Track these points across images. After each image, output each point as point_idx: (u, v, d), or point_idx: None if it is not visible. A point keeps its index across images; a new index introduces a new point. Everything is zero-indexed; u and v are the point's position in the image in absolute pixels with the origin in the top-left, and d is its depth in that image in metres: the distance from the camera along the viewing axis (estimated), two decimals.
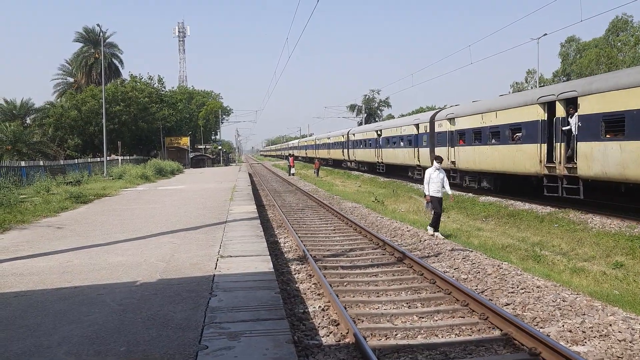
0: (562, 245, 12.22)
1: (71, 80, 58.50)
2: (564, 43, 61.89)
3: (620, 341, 5.66)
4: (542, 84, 53.93)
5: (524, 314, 6.77)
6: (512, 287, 7.85)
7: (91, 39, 56.05)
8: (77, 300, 5.81)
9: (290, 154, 62.35)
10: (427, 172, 12.62)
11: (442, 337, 6.09)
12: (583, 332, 5.99)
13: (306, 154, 77.07)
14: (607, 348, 5.53)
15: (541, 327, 6.24)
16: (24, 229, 11.70)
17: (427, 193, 12.55)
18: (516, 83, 68.44)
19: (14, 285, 6.57)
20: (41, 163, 28.56)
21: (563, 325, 6.23)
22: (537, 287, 7.71)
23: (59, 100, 54.35)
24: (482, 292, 7.76)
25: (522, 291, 7.63)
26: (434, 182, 12.42)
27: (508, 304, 7.17)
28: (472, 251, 10.41)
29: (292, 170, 43.69)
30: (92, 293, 6.08)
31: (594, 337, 5.83)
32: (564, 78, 57.00)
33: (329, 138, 57.84)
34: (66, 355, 4.24)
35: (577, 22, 46.59)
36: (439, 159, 12.88)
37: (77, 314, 5.31)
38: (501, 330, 6.08)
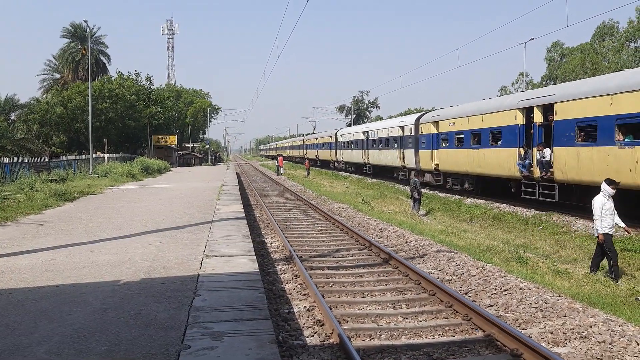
0: (545, 247, 12.37)
1: (57, 76, 57.71)
2: (550, 48, 62.67)
3: (600, 343, 5.74)
4: (530, 88, 54.48)
5: (507, 315, 6.84)
6: (496, 289, 7.92)
7: (78, 34, 55.37)
8: (59, 299, 5.74)
9: (278, 154, 62.28)
10: (598, 201, 9.38)
11: (426, 337, 6.13)
12: (564, 333, 6.07)
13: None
14: (587, 349, 5.61)
15: (523, 329, 6.31)
16: (7, 226, 11.53)
17: (599, 231, 9.33)
18: (504, 87, 69.13)
19: None
20: (25, 160, 28.19)
21: (545, 327, 6.31)
22: (520, 289, 7.79)
23: (44, 96, 53.61)
24: (466, 294, 7.83)
25: (505, 293, 7.71)
26: (608, 214, 9.32)
27: (491, 305, 7.24)
28: (457, 253, 10.49)
29: (281, 170, 43.61)
30: (75, 292, 6.01)
31: (575, 339, 5.91)
32: (550, 82, 57.63)
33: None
34: (46, 354, 4.19)
35: (563, 27, 47.22)
36: (613, 182, 9.58)
37: (59, 312, 5.25)
38: (484, 331, 6.14)
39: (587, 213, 15.20)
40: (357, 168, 40.05)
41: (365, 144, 36.09)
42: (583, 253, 11.53)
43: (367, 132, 35.79)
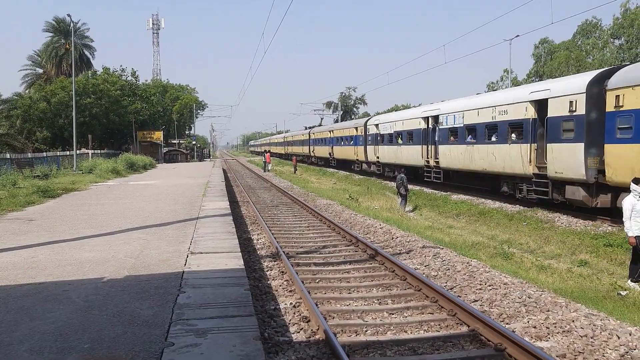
0: (529, 243, 12.50)
1: (40, 71, 56.78)
2: (537, 44, 63.25)
3: (582, 337, 5.82)
4: (515, 85, 54.89)
5: (491, 310, 6.91)
6: (481, 284, 8.00)
7: (62, 29, 54.46)
8: (41, 296, 5.67)
9: (266, 150, 60.64)
10: (627, 201, 8.68)
11: (411, 333, 6.17)
12: (547, 327, 6.15)
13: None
14: (570, 343, 5.69)
15: (507, 323, 6.38)
16: None
17: (629, 233, 8.65)
18: (491, 82, 69.73)
19: None
20: (8, 156, 27.72)
21: (528, 321, 6.39)
22: (504, 284, 7.87)
23: (27, 91, 52.80)
24: (451, 289, 7.88)
25: (490, 288, 7.78)
26: (639, 215, 8.58)
27: (476, 301, 7.31)
28: (442, 248, 10.56)
29: (269, 167, 43.44)
30: (57, 289, 5.93)
31: (557, 333, 5.98)
32: (537, 79, 58.17)
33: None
34: (28, 352, 4.14)
35: (547, 25, 47.73)
36: None
37: (41, 310, 5.18)
38: (468, 326, 6.19)
39: (570, 209, 15.23)
40: (412, 172, 25.17)
41: (428, 135, 23.97)
42: (566, 248, 11.69)
43: (437, 116, 23.11)
